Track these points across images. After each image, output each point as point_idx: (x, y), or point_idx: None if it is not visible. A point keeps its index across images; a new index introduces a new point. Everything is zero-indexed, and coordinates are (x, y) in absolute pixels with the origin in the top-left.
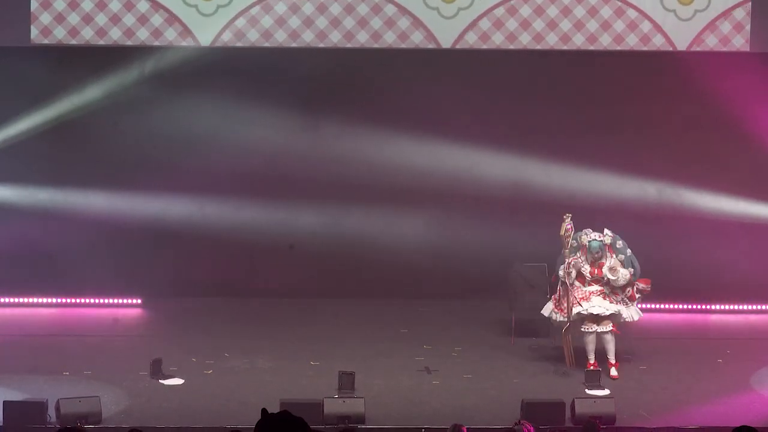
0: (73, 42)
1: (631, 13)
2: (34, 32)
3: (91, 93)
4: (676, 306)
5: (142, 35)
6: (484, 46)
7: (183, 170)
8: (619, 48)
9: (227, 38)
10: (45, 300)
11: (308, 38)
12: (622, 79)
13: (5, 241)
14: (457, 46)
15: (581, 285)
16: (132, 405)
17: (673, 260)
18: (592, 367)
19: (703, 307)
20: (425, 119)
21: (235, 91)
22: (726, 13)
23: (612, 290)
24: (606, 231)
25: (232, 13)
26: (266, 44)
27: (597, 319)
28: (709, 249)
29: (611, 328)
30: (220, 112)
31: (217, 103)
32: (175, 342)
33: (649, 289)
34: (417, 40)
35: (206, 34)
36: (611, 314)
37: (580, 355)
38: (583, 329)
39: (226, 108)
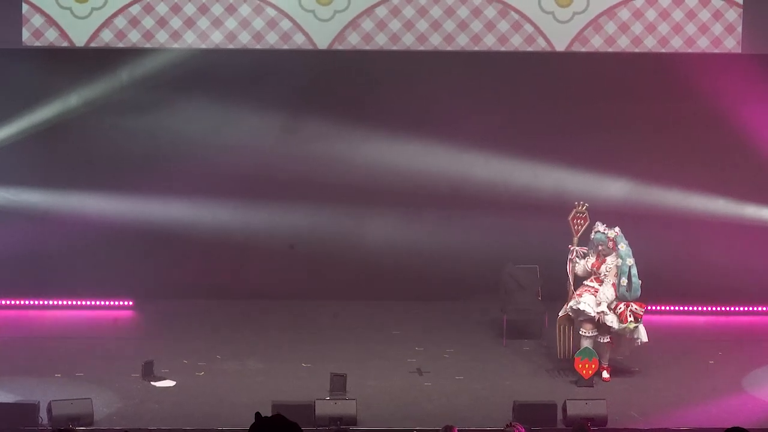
0: (65, 44)
1: (514, 15)
2: (26, 34)
3: (77, 96)
4: (667, 308)
5: (134, 37)
6: (367, 47)
7: (174, 172)
8: (503, 48)
9: (218, 40)
10: (36, 302)
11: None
12: (617, 80)
13: None
14: (335, 47)
15: (587, 283)
16: (124, 407)
17: (664, 262)
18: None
19: (695, 308)
20: (417, 121)
21: (224, 93)
22: (608, 12)
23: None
24: (616, 228)
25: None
26: (258, 46)
27: (597, 325)
28: (700, 251)
29: (608, 340)
30: (211, 115)
31: (208, 106)
32: (167, 344)
33: (641, 313)
34: (299, 41)
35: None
36: (594, 315)
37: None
38: (581, 332)
39: (217, 111)
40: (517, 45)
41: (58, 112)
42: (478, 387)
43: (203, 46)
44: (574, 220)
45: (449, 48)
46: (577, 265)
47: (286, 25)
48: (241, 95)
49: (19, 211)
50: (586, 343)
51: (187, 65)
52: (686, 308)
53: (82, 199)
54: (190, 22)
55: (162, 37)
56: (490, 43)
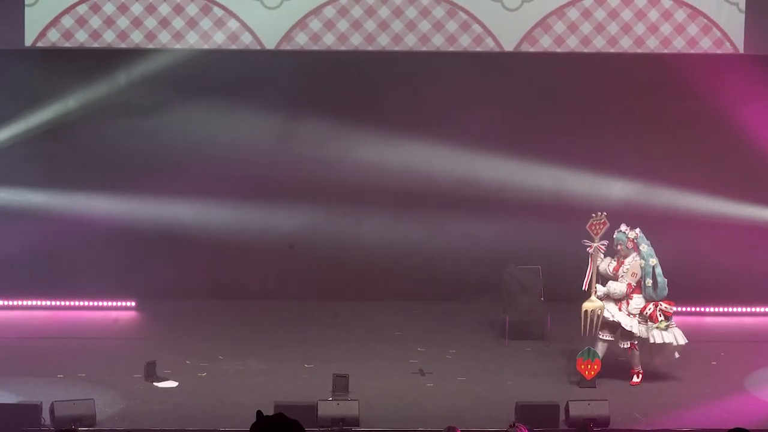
0: (67, 45)
1: (462, 15)
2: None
3: (77, 98)
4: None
5: (137, 38)
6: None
7: (176, 173)
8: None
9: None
10: (39, 303)
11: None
12: (618, 80)
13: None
14: (282, 47)
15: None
16: (126, 407)
17: (664, 262)
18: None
19: (697, 309)
20: (417, 121)
21: (228, 94)
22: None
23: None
24: (637, 229)
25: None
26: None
27: (614, 329)
28: (700, 251)
29: (628, 346)
30: (214, 116)
31: (211, 107)
32: (169, 344)
33: (671, 311)
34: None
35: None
36: (615, 322)
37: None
38: (599, 335)
39: (220, 112)
40: (465, 45)
41: (59, 112)
42: (480, 388)
43: (205, 47)
44: (592, 227)
45: (451, 48)
46: (600, 260)
47: (226, 18)
48: (240, 97)
49: (21, 212)
50: (601, 346)
51: (185, 66)
52: (687, 308)
53: (84, 200)
54: (192, 23)
55: (165, 38)
56: (491, 44)
